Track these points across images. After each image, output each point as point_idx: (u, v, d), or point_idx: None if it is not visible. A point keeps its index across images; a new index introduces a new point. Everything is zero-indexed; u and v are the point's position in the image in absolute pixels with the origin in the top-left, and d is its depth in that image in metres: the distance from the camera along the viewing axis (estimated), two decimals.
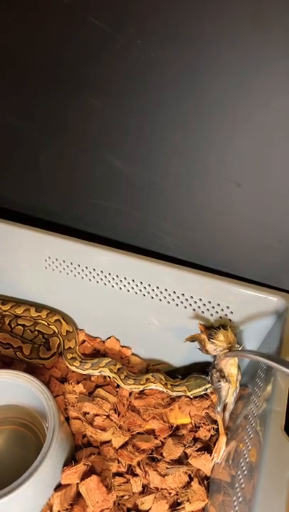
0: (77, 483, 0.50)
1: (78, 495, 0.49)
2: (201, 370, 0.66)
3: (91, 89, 0.52)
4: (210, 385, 0.57)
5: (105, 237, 0.67)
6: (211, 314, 0.60)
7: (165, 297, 0.62)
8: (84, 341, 0.69)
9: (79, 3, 0.46)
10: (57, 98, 0.55)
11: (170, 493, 0.51)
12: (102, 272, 0.64)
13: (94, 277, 0.65)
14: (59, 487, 0.49)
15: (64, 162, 0.62)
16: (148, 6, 0.43)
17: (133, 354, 0.69)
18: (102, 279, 0.65)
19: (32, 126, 0.60)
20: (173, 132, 0.51)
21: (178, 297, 0.61)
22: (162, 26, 0.44)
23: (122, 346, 0.69)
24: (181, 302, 0.61)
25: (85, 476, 0.50)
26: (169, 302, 0.62)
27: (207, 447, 0.55)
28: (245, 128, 0.48)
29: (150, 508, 0.49)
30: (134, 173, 0.57)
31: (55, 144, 0.61)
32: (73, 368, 0.64)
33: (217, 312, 0.59)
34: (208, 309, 0.60)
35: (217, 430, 0.58)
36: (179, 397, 0.61)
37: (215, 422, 0.58)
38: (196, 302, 0.60)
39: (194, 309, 0.60)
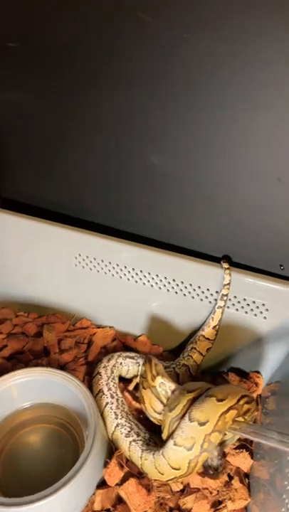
0: (118, 485, 0.49)
1: (120, 497, 0.49)
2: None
3: (139, 86, 0.52)
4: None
5: (139, 235, 0.65)
6: (246, 312, 0.59)
7: (198, 294, 0.61)
8: (115, 339, 0.68)
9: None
10: (96, 92, 0.55)
11: (211, 493, 0.50)
12: (133, 269, 0.63)
13: (125, 275, 0.65)
14: (102, 485, 0.49)
15: (98, 159, 0.61)
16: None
17: (164, 351, 0.68)
18: (132, 277, 0.64)
19: (68, 122, 0.60)
20: (215, 129, 0.51)
21: (211, 294, 0.60)
22: (209, 20, 0.43)
23: (153, 344, 0.68)
24: (215, 300, 0.60)
25: (124, 478, 0.50)
26: (202, 300, 0.61)
27: (245, 445, 0.55)
28: (286, 121, 0.47)
29: (192, 508, 0.49)
30: (173, 171, 0.56)
31: (89, 140, 0.60)
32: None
33: (252, 310, 0.59)
34: (242, 307, 0.59)
35: None
36: None
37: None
38: (230, 300, 0.59)
39: (228, 307, 0.60)
